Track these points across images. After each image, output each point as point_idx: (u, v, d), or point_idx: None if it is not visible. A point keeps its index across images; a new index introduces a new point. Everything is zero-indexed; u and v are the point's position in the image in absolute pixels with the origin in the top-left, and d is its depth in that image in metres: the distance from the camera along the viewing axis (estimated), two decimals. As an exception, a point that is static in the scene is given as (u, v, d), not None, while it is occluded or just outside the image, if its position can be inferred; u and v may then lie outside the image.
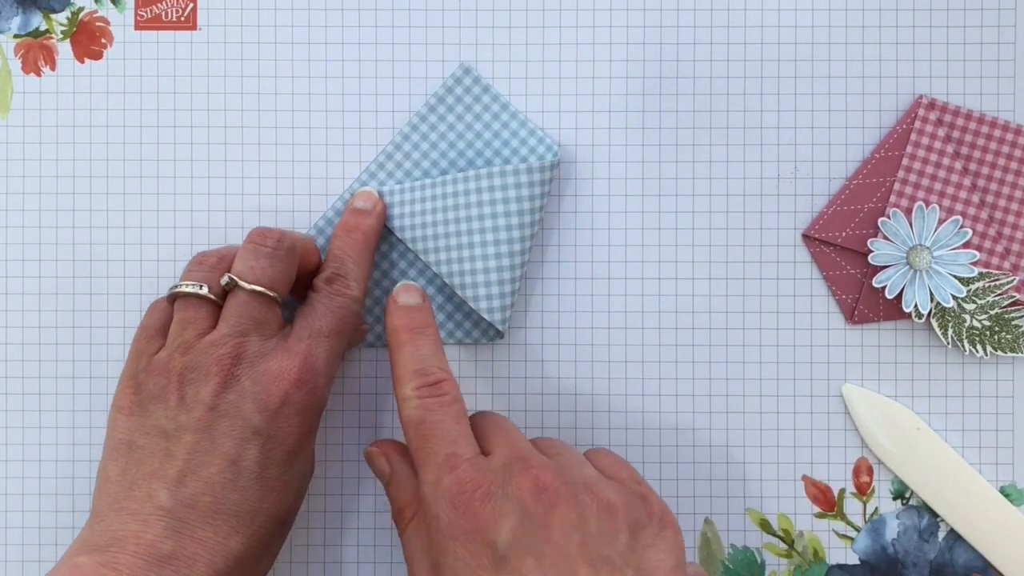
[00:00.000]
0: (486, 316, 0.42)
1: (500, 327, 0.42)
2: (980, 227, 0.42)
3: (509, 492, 0.32)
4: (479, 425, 0.37)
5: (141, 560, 0.33)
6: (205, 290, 0.37)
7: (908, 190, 0.42)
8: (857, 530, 0.43)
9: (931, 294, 0.42)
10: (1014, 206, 0.42)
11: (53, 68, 0.44)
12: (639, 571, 0.32)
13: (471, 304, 0.42)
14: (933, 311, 0.42)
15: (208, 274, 0.38)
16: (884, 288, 0.42)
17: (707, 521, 0.43)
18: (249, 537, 0.35)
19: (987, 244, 0.42)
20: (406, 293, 0.39)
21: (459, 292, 0.42)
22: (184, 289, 0.38)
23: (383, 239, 0.43)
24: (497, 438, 0.35)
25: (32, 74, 0.44)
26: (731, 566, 0.43)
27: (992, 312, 0.42)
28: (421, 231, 0.42)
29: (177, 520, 0.34)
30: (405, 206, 0.43)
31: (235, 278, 0.37)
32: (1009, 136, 0.43)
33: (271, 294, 0.37)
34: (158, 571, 0.33)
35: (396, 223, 0.43)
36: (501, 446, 0.35)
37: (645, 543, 0.33)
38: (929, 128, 0.43)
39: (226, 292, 0.38)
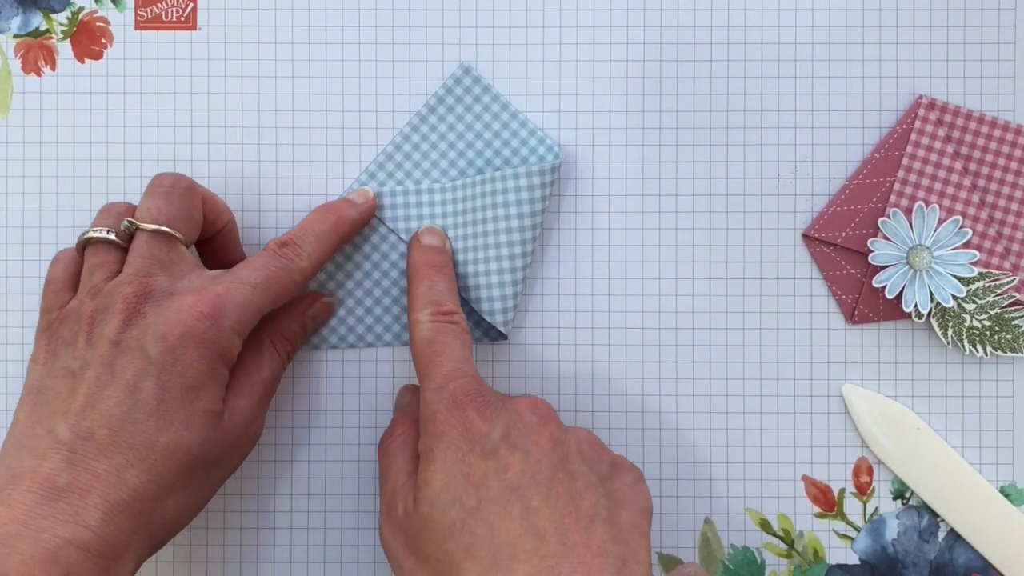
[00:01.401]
0: (488, 318, 0.42)
1: (503, 329, 0.42)
2: (980, 227, 0.42)
3: (507, 405, 0.36)
4: None
5: (35, 494, 0.33)
6: (112, 235, 0.38)
7: (908, 190, 0.42)
8: (857, 530, 0.43)
9: (931, 294, 0.42)
10: (1014, 206, 0.42)
11: (53, 68, 0.44)
12: (611, 496, 0.35)
13: (474, 306, 0.42)
14: (933, 311, 0.42)
15: (116, 220, 0.39)
16: (884, 288, 0.42)
17: (707, 521, 0.43)
18: (146, 471, 0.35)
19: (987, 244, 0.42)
20: (430, 235, 0.42)
21: (462, 294, 0.42)
22: (92, 235, 0.38)
23: (383, 239, 0.43)
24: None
25: (32, 74, 0.44)
26: (731, 566, 0.43)
27: (992, 312, 0.42)
28: None
29: (74, 453, 0.34)
30: (411, 208, 0.43)
31: (134, 221, 0.38)
32: (1009, 136, 0.43)
33: (172, 232, 0.38)
34: (51, 504, 0.33)
35: (401, 225, 0.43)
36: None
37: (623, 481, 0.36)
38: (929, 128, 0.43)
39: (131, 237, 0.38)
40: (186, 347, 0.36)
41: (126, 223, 0.38)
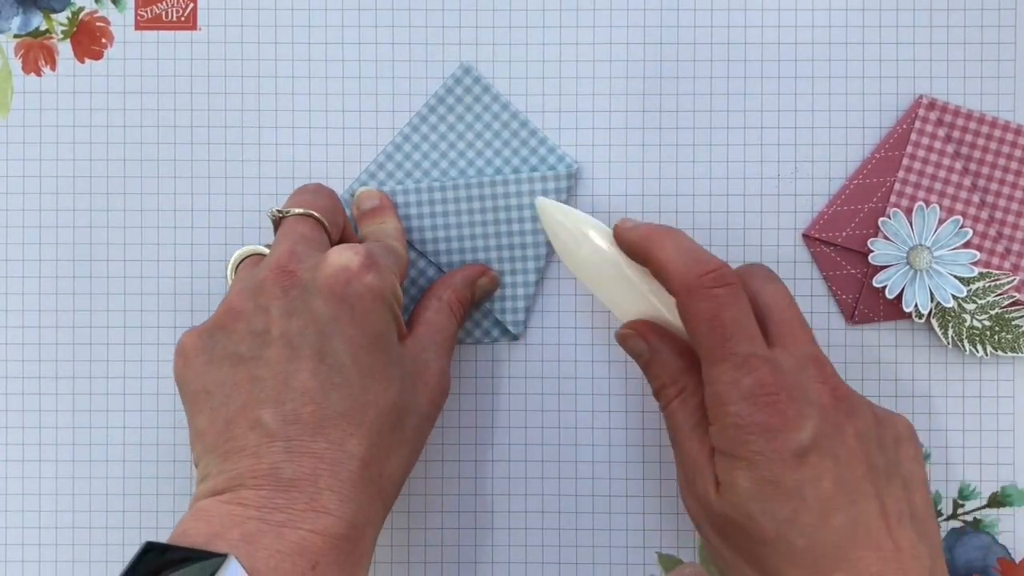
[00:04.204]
0: (499, 317, 0.42)
1: (513, 329, 0.43)
2: (980, 227, 0.42)
3: (811, 397, 0.34)
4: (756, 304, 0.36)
5: (265, 489, 0.31)
6: (264, 248, 0.38)
7: (908, 190, 0.42)
8: (857, 530, 0.43)
9: (931, 294, 0.42)
10: (1014, 206, 0.42)
11: (53, 68, 0.44)
12: (906, 482, 0.35)
13: (486, 304, 0.43)
14: (933, 311, 0.42)
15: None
16: (884, 288, 0.42)
17: (707, 521, 0.43)
18: (364, 436, 0.33)
19: (987, 244, 0.42)
20: (630, 221, 0.38)
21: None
22: (253, 248, 0.38)
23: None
24: (781, 331, 0.36)
25: (32, 74, 0.44)
26: (731, 566, 0.43)
27: (992, 312, 0.42)
28: (431, 233, 0.43)
29: (288, 441, 0.32)
30: (411, 208, 0.43)
31: (282, 209, 0.38)
32: (1009, 136, 0.43)
33: (316, 215, 0.37)
34: (285, 495, 0.31)
35: (404, 224, 0.43)
36: (788, 342, 0.35)
37: (908, 455, 0.35)
38: (929, 128, 0.43)
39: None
40: (359, 296, 0.34)
41: (275, 211, 0.37)
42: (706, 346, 0.34)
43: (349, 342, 0.34)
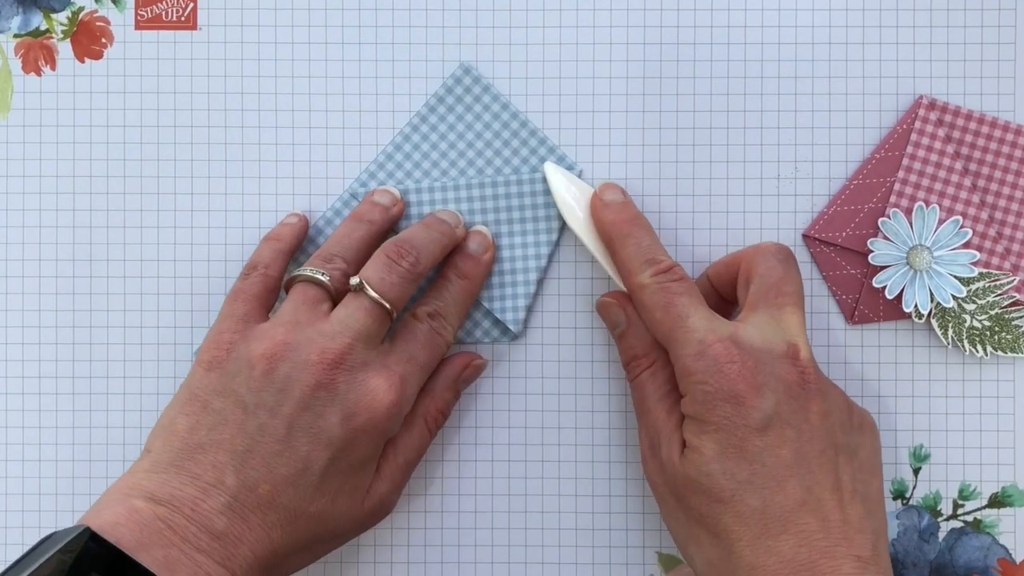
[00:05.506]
0: (499, 316, 0.42)
1: (514, 328, 0.42)
2: (980, 227, 0.42)
3: (776, 372, 0.36)
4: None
5: (195, 526, 0.34)
6: (327, 279, 0.38)
7: (908, 190, 0.42)
8: (857, 530, 0.43)
9: (931, 294, 0.42)
10: (1014, 206, 0.42)
11: (53, 68, 0.44)
12: (863, 465, 0.37)
13: (485, 304, 0.42)
14: (933, 311, 0.42)
15: (331, 268, 0.39)
16: (884, 288, 0.42)
17: (707, 521, 0.43)
18: (290, 534, 0.36)
19: (987, 244, 0.42)
20: (610, 191, 0.41)
21: None
22: (307, 274, 0.38)
23: (385, 238, 0.43)
24: (757, 302, 0.38)
25: (32, 74, 0.44)
26: (731, 566, 0.43)
27: (992, 312, 0.42)
28: None
29: (235, 500, 0.35)
30: (411, 208, 0.43)
31: (364, 282, 0.38)
32: (1009, 136, 0.43)
33: (389, 308, 0.38)
34: (209, 541, 0.34)
35: (403, 224, 0.43)
36: (763, 315, 0.37)
37: (870, 445, 0.38)
38: (929, 128, 0.43)
39: (347, 291, 0.38)
40: (367, 433, 0.36)
41: (357, 281, 0.38)
42: (665, 330, 0.37)
43: (332, 462, 0.36)
